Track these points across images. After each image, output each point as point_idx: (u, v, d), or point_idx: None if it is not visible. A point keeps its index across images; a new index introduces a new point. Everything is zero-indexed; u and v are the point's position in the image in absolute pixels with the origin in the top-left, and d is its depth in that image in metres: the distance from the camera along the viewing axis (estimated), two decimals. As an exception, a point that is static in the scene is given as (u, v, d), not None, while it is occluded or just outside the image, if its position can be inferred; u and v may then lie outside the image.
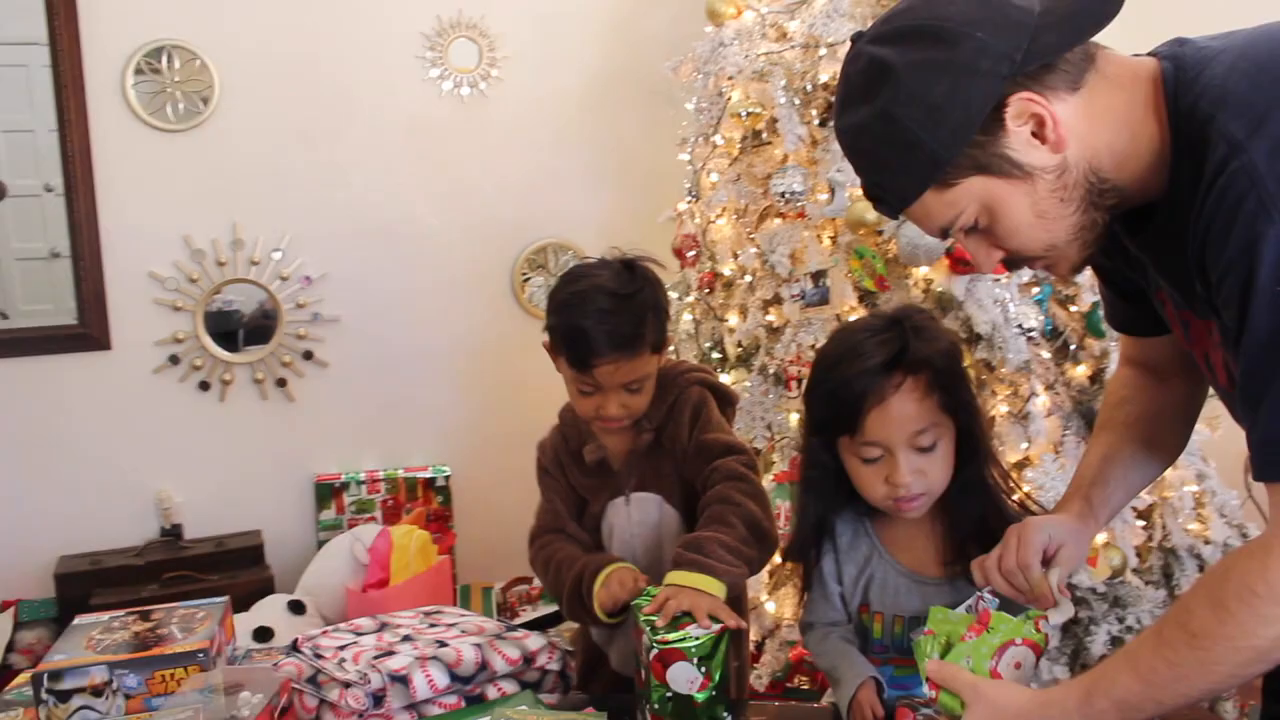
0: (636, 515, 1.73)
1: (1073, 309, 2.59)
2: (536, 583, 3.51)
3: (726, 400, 1.79)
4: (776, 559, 2.18)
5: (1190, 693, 1.07)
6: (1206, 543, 2.54)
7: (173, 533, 3.32)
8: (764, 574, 2.69)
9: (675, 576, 1.50)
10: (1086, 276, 2.50)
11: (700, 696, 1.35)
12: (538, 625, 3.32)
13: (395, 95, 3.48)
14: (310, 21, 3.35)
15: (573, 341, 1.61)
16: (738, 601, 1.73)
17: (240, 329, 3.41)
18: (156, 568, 3.13)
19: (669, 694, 1.35)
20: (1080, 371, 2.56)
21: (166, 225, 3.28)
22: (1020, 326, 2.43)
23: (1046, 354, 2.57)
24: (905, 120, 1.11)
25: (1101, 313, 2.51)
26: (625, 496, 1.74)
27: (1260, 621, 1.01)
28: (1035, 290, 2.52)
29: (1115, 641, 2.40)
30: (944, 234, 1.18)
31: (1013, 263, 1.19)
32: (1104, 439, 1.47)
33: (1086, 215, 1.13)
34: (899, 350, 1.37)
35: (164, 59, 3.23)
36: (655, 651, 1.35)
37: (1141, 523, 2.51)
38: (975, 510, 1.45)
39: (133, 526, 3.30)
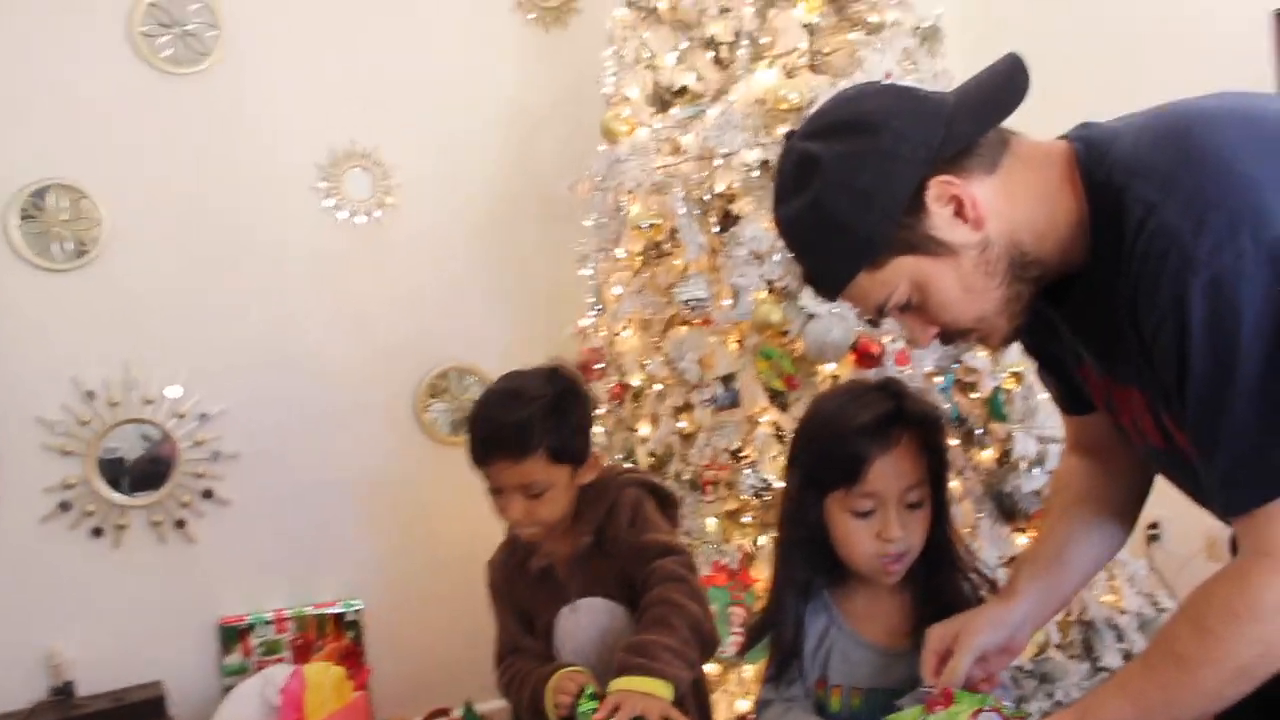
0: (585, 621, 1.71)
1: (974, 395, 2.67)
2: (456, 713, 3.39)
3: (668, 502, 1.81)
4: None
5: (1179, 715, 1.10)
6: (1122, 612, 2.60)
7: (64, 691, 3.11)
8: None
9: (622, 682, 1.48)
10: (985, 361, 2.59)
11: None
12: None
13: (290, 226, 3.46)
14: (200, 155, 3.33)
15: (470, 437, 1.68)
16: (700, 693, 1.72)
17: (125, 477, 3.28)
18: (49, 730, 2.93)
19: None
20: (987, 455, 2.63)
21: (54, 367, 3.17)
22: (928, 415, 2.50)
23: (954, 441, 2.64)
24: (835, 207, 1.18)
25: (1003, 397, 2.61)
26: (572, 605, 1.71)
27: (1243, 642, 1.06)
28: (939, 380, 2.60)
29: (1046, 716, 2.42)
30: (879, 312, 1.23)
31: (947, 337, 1.24)
32: (1044, 524, 1.53)
33: (1012, 288, 1.19)
34: (895, 407, 1.43)
35: (48, 198, 3.17)
36: None
37: (1059, 600, 2.55)
38: (942, 578, 1.48)
39: (20, 687, 3.09)
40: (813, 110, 2.59)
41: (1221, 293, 1.02)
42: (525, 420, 1.62)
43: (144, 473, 3.30)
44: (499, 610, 1.79)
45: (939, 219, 1.16)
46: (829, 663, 1.48)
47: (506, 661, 1.74)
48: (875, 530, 1.41)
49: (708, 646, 1.64)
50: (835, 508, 1.44)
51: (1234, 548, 1.46)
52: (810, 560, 1.49)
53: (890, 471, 1.40)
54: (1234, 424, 1.05)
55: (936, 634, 1.38)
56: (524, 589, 1.76)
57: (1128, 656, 2.57)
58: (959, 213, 1.16)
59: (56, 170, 3.18)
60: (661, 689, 1.48)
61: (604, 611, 1.71)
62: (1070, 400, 1.47)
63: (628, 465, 1.88)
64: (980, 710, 1.27)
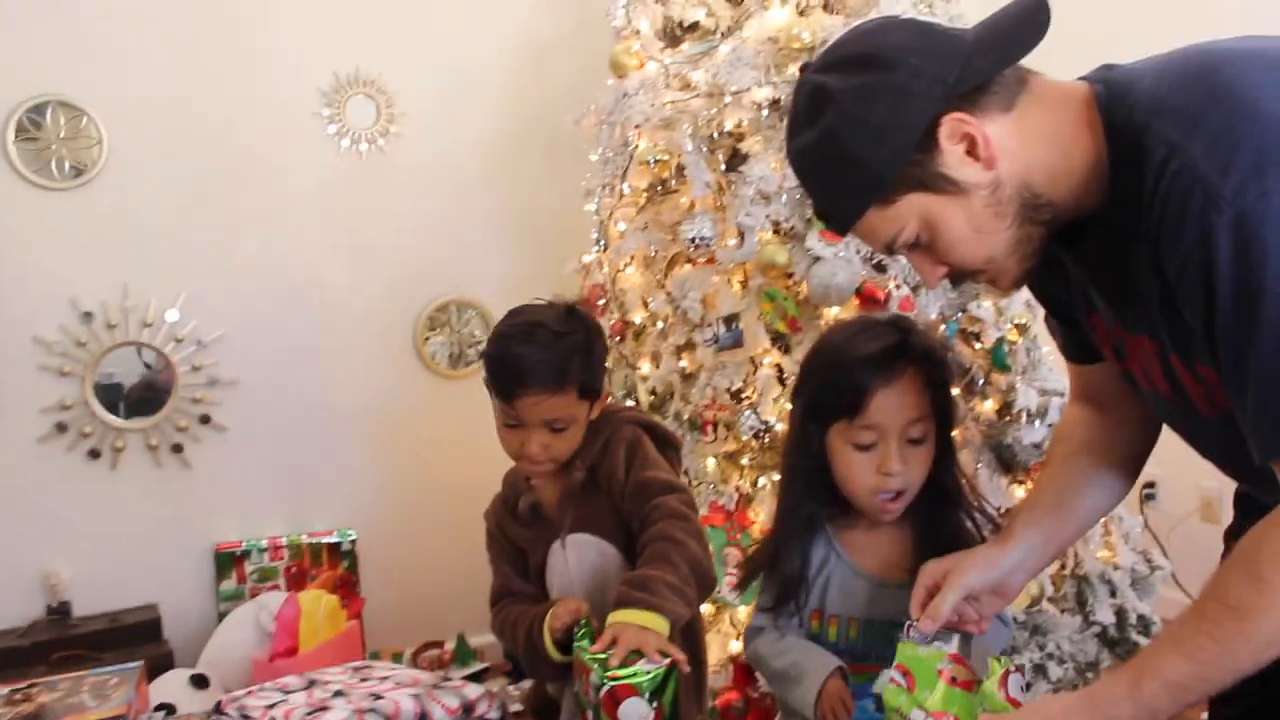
0: (574, 559, 1.70)
1: (978, 345, 2.65)
2: (449, 646, 3.41)
3: (667, 442, 1.80)
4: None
5: (1238, 666, 1.09)
6: (1116, 568, 2.61)
7: (60, 610, 3.13)
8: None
9: (621, 614, 1.48)
10: (989, 311, 2.57)
11: None
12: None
13: (292, 152, 3.41)
14: (202, 77, 3.27)
15: (499, 370, 1.64)
16: (693, 633, 1.72)
17: (121, 402, 3.27)
18: (44, 648, 2.94)
19: None
20: (988, 406, 2.62)
21: (52, 288, 3.14)
22: (931, 362, 2.48)
23: (955, 390, 2.63)
24: (847, 141, 1.16)
25: (1006, 348, 2.60)
26: (561, 541, 1.71)
27: None
28: (942, 328, 2.58)
29: (1038, 669, 2.44)
30: (889, 250, 1.21)
31: (956, 277, 1.22)
32: (1045, 472, 1.52)
33: (1022, 229, 1.17)
34: (901, 341, 1.45)
35: (47, 115, 3.12)
36: (606, 688, 1.32)
37: (1054, 552, 2.56)
38: (941, 515, 1.47)
39: (16, 606, 3.10)
40: (824, 49, 2.57)
41: (1246, 231, 1.00)
42: (564, 354, 1.63)
43: (141, 399, 3.29)
44: (494, 556, 1.80)
45: (951, 157, 1.15)
46: (826, 593, 1.50)
47: (500, 605, 1.74)
48: (875, 463, 1.42)
49: (705, 587, 1.63)
50: (837, 439, 1.45)
51: (1239, 503, 1.46)
52: (813, 492, 1.50)
53: (893, 404, 1.41)
54: (1265, 363, 1.03)
55: (929, 570, 1.38)
56: (517, 529, 1.77)
57: (1119, 612, 2.58)
58: (971, 151, 1.15)
59: (56, 87, 3.13)
60: (659, 623, 1.47)
61: (593, 548, 1.70)
62: (1076, 349, 1.46)
63: (628, 404, 1.87)
64: (1006, 674, 1.28)
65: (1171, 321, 1.12)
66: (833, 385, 1.45)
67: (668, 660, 1.37)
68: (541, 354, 1.62)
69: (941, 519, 1.50)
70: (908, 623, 1.37)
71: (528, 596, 1.73)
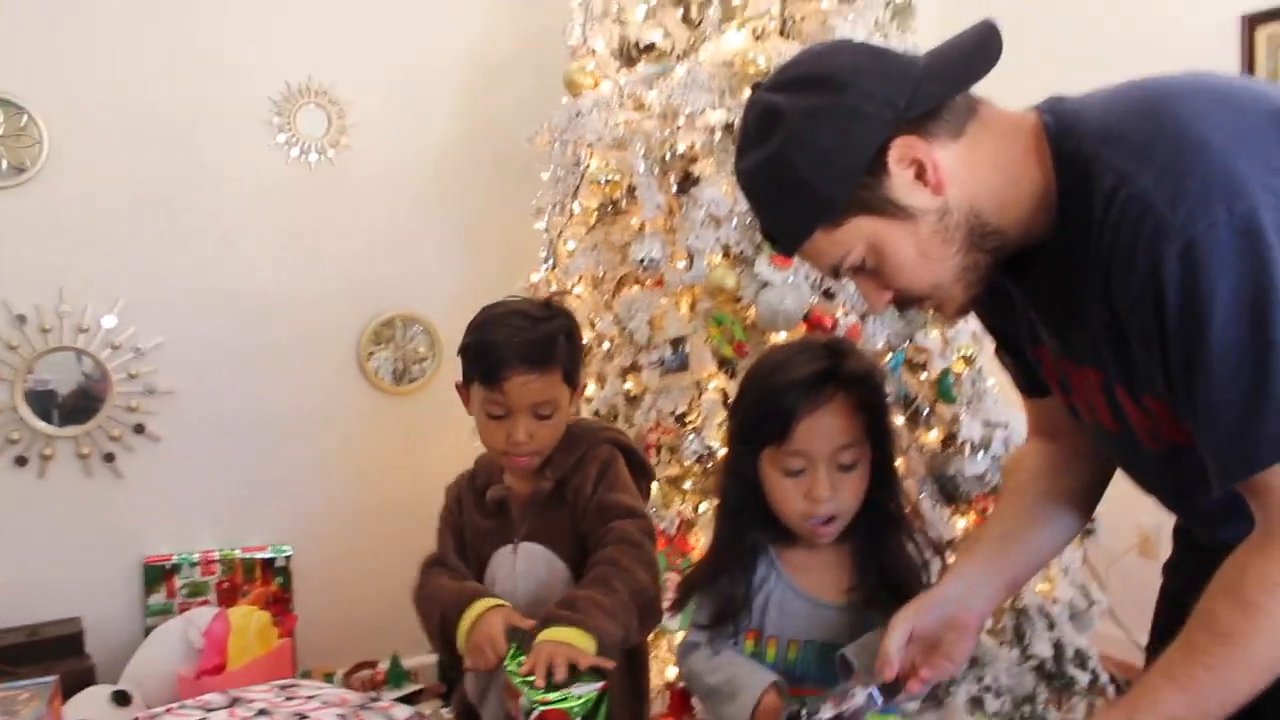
0: (522, 566, 1.68)
1: (923, 376, 2.66)
2: (383, 666, 3.35)
3: (642, 470, 1.79)
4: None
5: (1232, 694, 1.07)
6: (1054, 602, 2.61)
7: (-22, 622, 3.03)
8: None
9: (549, 633, 1.45)
10: (936, 342, 2.58)
11: None
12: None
13: (240, 160, 3.36)
14: (150, 79, 3.21)
15: (485, 354, 1.62)
16: (635, 664, 1.69)
17: (55, 409, 3.18)
18: (-42, 660, 2.85)
19: None
20: (933, 436, 2.62)
21: (-16, 289, 3.06)
22: (876, 391, 2.48)
23: (900, 419, 2.63)
24: (795, 162, 1.15)
25: (952, 379, 2.61)
26: (513, 545, 1.69)
27: None
28: (889, 357, 2.59)
29: (974, 702, 2.43)
30: (835, 273, 1.20)
31: (902, 303, 1.22)
32: (995, 508, 1.52)
33: (969, 256, 1.16)
34: (833, 366, 1.42)
35: (-13, 113, 3.05)
36: (536, 713, 1.29)
37: (994, 584, 2.56)
38: (882, 539, 1.46)
39: (-68, 616, 3.01)
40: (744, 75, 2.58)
41: (1196, 259, 1.00)
42: (548, 336, 1.64)
43: (74, 407, 3.20)
44: (443, 527, 1.78)
45: (899, 181, 1.14)
46: (766, 613, 1.48)
47: (431, 570, 1.71)
48: (804, 489, 1.41)
49: (649, 616, 1.60)
50: (768, 464, 1.44)
51: (1177, 538, 1.46)
52: (750, 515, 1.48)
53: (820, 430, 1.39)
54: (1214, 392, 1.03)
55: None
56: (477, 516, 1.74)
57: (1057, 645, 2.59)
58: (920, 176, 1.14)
59: (-4, 84, 3.06)
60: (582, 640, 1.44)
61: (542, 561, 1.68)
62: (1028, 382, 1.45)
63: (613, 425, 1.87)
64: None
65: (1119, 354, 1.12)
66: (760, 409, 1.44)
67: (599, 685, 1.35)
68: (527, 335, 1.62)
69: (882, 541, 1.48)
70: (840, 654, 1.35)
71: (460, 573, 1.70)
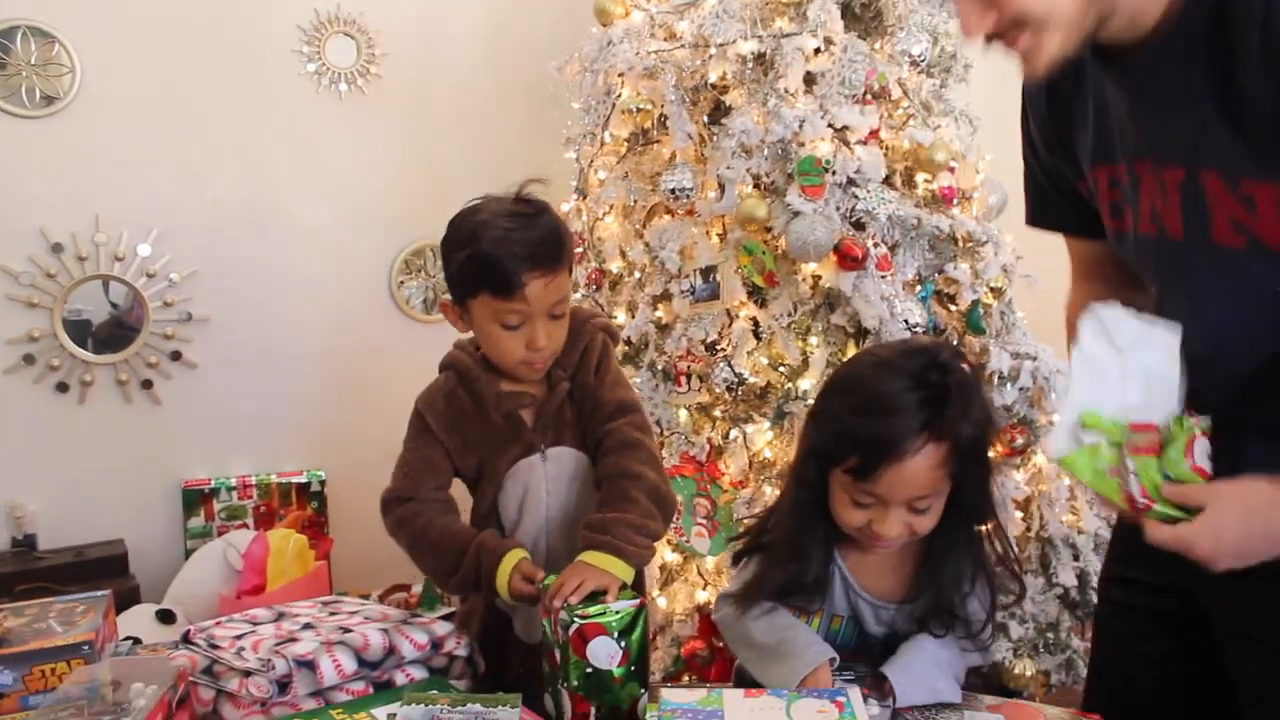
0: (553, 470, 1.66)
1: (953, 308, 2.67)
2: (416, 589, 3.42)
3: (615, 339, 1.78)
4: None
5: None
6: (1080, 532, 2.64)
7: (26, 543, 3.12)
8: (655, 569, 2.69)
9: (587, 557, 1.48)
10: (965, 274, 2.58)
11: (619, 671, 1.34)
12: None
13: (271, 89, 3.37)
14: (180, 8, 3.22)
15: (494, 266, 1.52)
16: (638, 581, 1.71)
17: (90, 338, 3.23)
18: (8, 580, 2.92)
19: (588, 669, 1.33)
20: (961, 367, 2.63)
21: (21, 218, 3.09)
22: (906, 322, 2.50)
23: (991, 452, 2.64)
24: None
25: (981, 311, 2.60)
26: (541, 453, 1.65)
27: None
28: (918, 288, 2.59)
29: (999, 628, 2.47)
30: None
31: (997, 33, 1.18)
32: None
33: (1089, 6, 1.15)
34: (933, 414, 1.29)
35: (17, 41, 3.06)
36: (575, 626, 1.33)
37: (1020, 514, 2.59)
38: (948, 559, 1.42)
39: (-19, 537, 3.10)
40: (812, 4, 2.56)
41: None
42: (552, 229, 1.57)
43: (109, 336, 3.26)
44: (422, 445, 1.68)
45: None
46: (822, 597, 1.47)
47: (404, 509, 1.67)
48: (870, 518, 1.35)
49: (666, 510, 1.60)
50: (838, 485, 1.37)
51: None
52: (814, 521, 1.42)
53: (903, 481, 1.31)
54: None
55: None
56: (477, 431, 1.66)
57: (1081, 575, 2.62)
58: None
59: (26, 12, 3.07)
60: (623, 569, 1.47)
61: (571, 463, 1.67)
62: (1078, 222, 1.45)
63: (590, 309, 1.80)
64: (1192, 439, 1.18)
65: (1225, 141, 1.13)
66: (845, 444, 1.33)
67: (636, 601, 1.39)
68: (535, 234, 1.54)
69: (945, 561, 1.41)
70: (881, 671, 1.36)
71: (440, 505, 1.67)
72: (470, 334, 1.68)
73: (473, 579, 1.58)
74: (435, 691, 1.40)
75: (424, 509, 1.66)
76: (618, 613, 1.34)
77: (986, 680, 2.53)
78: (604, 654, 1.33)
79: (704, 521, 2.51)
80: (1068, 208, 1.46)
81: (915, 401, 1.30)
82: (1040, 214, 1.53)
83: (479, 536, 1.61)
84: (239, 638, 1.45)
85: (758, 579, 1.46)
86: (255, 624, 1.53)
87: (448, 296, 1.66)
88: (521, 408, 1.65)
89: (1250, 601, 1.25)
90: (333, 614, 1.59)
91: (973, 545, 1.43)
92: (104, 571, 3.05)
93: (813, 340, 2.56)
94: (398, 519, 1.68)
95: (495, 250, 1.52)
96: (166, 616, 2.81)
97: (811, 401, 1.64)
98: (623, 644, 1.34)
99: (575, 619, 1.33)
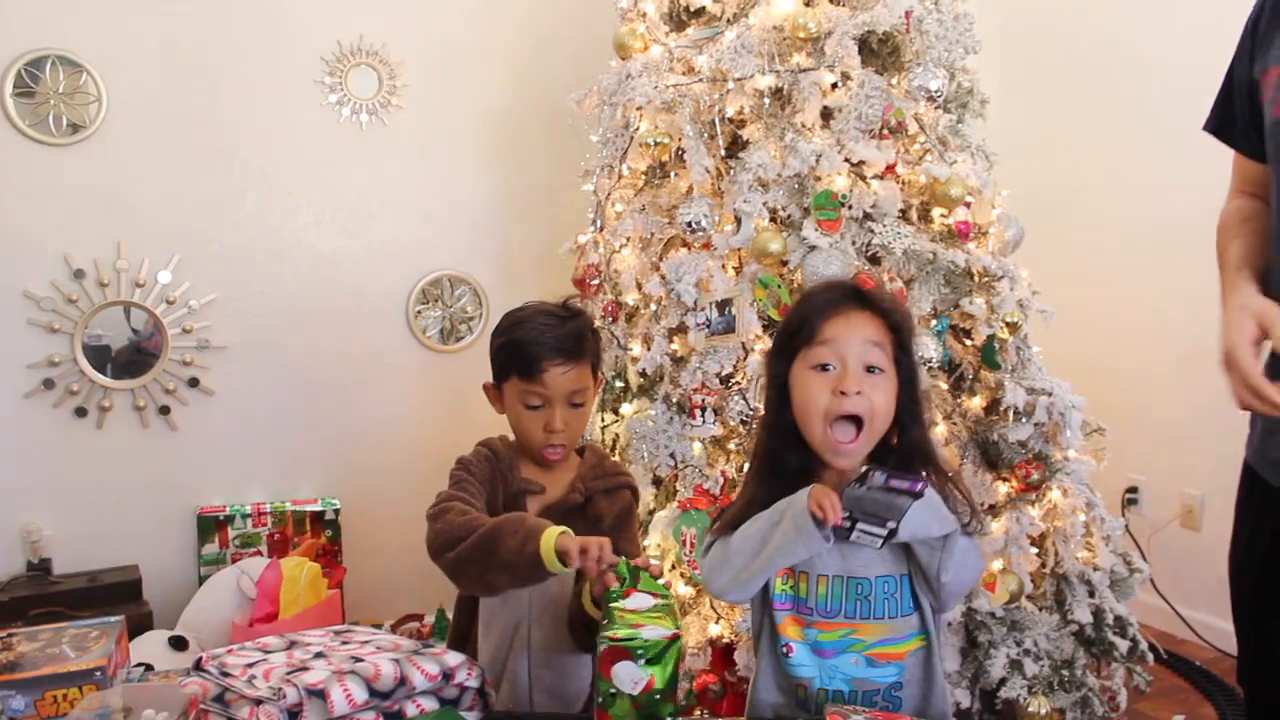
0: None
1: (968, 342, 2.66)
2: (429, 620, 3.42)
3: (637, 499, 2.00)
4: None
5: None
6: (1095, 569, 2.62)
7: (41, 568, 3.13)
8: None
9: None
10: (981, 308, 2.58)
11: (642, 698, 1.33)
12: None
13: (292, 119, 3.41)
14: (205, 38, 3.26)
15: (524, 348, 1.78)
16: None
17: (109, 363, 3.26)
18: (22, 604, 2.93)
19: (613, 690, 1.33)
20: (976, 403, 2.63)
21: (45, 243, 3.12)
22: (920, 356, 2.49)
23: (944, 385, 2.64)
24: None
25: (997, 346, 2.60)
26: None
27: None
28: (934, 323, 2.59)
29: (1014, 664, 2.45)
30: None
31: None
32: (1240, 244, 1.56)
33: None
34: (863, 288, 1.55)
35: (46, 70, 3.10)
36: (604, 647, 1.33)
37: (1035, 550, 2.58)
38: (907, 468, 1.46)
39: (-4, 561, 3.12)
40: (829, 40, 2.58)
41: None
42: (579, 330, 1.83)
43: (129, 362, 3.28)
44: (465, 476, 1.82)
45: None
46: None
47: (453, 501, 1.73)
48: (831, 384, 1.45)
49: None
50: (799, 369, 1.49)
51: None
52: (783, 432, 1.51)
53: (850, 325, 1.47)
54: None
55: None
56: (500, 503, 1.82)
57: (1097, 612, 2.60)
58: None
59: (55, 42, 3.11)
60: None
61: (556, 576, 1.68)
62: (1248, 141, 1.58)
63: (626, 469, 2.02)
64: None
65: None
66: (795, 315, 1.53)
67: (670, 632, 1.38)
68: (561, 329, 1.80)
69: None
70: (866, 469, 1.40)
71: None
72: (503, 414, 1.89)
73: (516, 529, 1.61)
74: (445, 723, 1.39)
75: (463, 507, 1.74)
76: (648, 641, 1.34)
77: (1001, 718, 2.51)
78: (628, 679, 1.33)
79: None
80: (1251, 129, 1.55)
81: (847, 288, 1.56)
82: (1220, 124, 1.65)
83: (524, 519, 1.67)
84: (250, 666, 1.45)
85: (744, 502, 1.54)
86: (267, 652, 1.53)
87: (489, 383, 1.91)
88: (530, 494, 1.85)
89: None
90: (344, 643, 1.58)
91: (929, 452, 1.53)
92: (118, 597, 3.05)
93: (828, 374, 2.55)
94: (440, 508, 1.74)
95: (524, 341, 1.79)
96: (179, 643, 2.81)
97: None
98: (648, 671, 1.34)
99: (604, 639, 1.34)
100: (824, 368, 1.46)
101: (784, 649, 1.48)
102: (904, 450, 1.49)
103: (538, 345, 1.78)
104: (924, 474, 1.45)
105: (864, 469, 1.39)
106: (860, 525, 1.40)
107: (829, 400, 1.44)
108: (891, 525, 1.38)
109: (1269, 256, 1.51)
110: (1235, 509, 1.63)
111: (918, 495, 1.35)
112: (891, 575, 1.47)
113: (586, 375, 1.83)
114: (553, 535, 1.57)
